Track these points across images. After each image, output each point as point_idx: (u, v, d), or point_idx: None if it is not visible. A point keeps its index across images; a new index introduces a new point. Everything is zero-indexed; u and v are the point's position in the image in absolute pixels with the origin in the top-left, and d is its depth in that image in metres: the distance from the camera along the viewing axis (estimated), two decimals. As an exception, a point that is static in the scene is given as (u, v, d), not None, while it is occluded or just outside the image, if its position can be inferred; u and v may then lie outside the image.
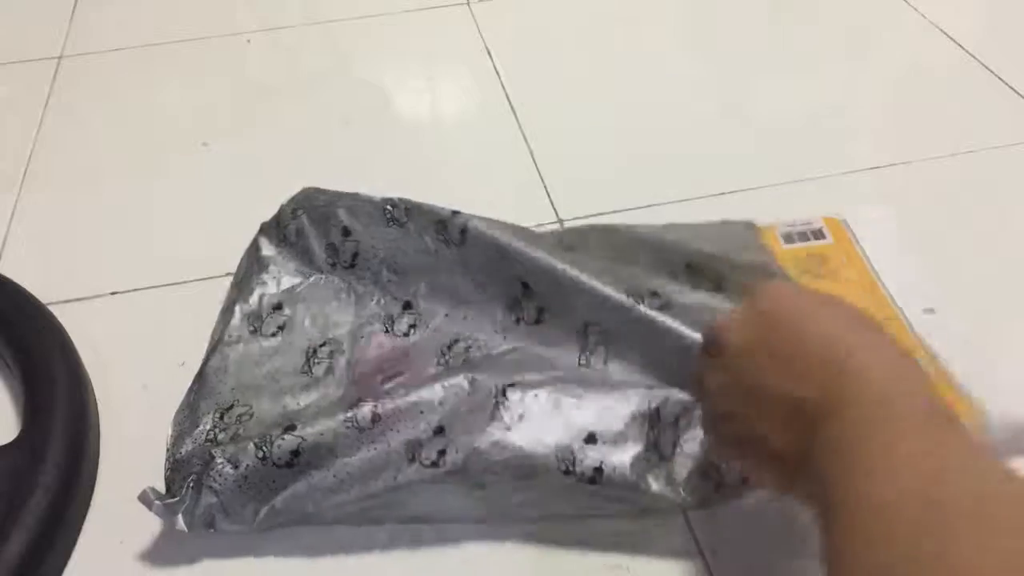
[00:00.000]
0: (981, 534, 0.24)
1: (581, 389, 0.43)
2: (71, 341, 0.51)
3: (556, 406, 0.42)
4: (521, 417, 0.42)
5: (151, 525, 0.43)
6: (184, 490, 0.41)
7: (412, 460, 0.41)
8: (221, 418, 0.45)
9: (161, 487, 0.42)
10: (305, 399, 0.46)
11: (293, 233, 0.53)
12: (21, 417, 0.47)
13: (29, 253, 0.59)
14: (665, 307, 0.44)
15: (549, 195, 0.62)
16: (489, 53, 0.77)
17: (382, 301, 0.50)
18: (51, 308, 0.53)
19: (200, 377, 0.47)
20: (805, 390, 0.32)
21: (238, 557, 0.42)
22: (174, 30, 0.81)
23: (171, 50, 0.80)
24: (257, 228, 0.55)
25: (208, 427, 0.44)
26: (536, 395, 0.42)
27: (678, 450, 0.42)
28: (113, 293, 0.56)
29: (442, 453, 0.41)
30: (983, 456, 0.28)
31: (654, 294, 0.45)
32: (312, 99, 0.73)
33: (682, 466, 0.42)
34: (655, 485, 0.41)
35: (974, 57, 0.73)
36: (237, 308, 0.51)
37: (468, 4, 0.84)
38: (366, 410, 0.42)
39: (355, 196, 0.52)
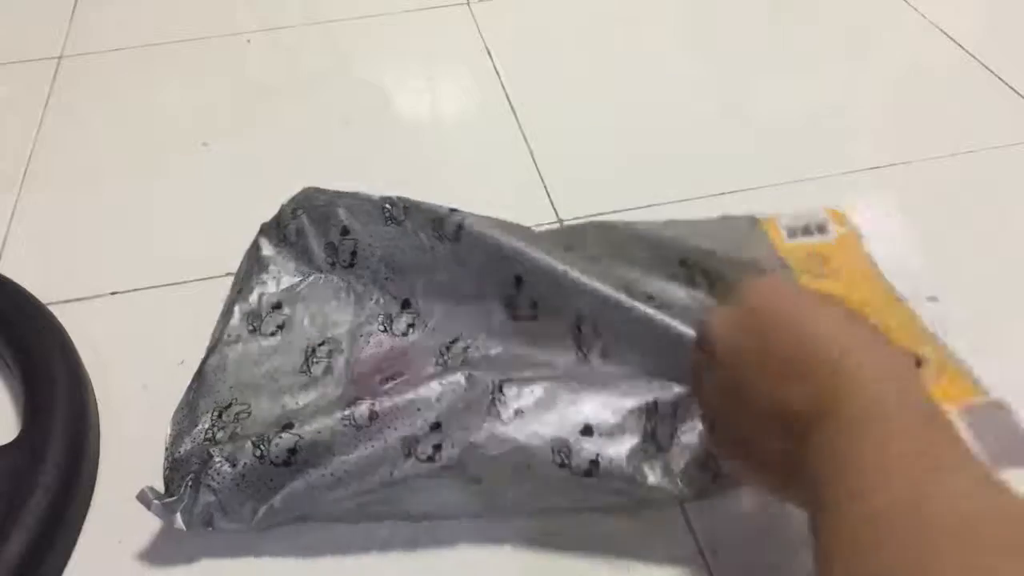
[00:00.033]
0: (965, 553, 0.25)
1: (578, 383, 0.43)
2: (71, 341, 0.51)
3: (553, 400, 0.42)
4: (518, 412, 0.41)
5: (151, 525, 0.43)
6: (182, 489, 0.41)
7: (408, 455, 0.41)
8: (219, 417, 0.45)
9: (161, 487, 0.42)
10: (304, 398, 0.46)
11: (293, 233, 0.53)
12: (21, 417, 0.47)
13: (29, 253, 0.59)
14: (660, 306, 0.44)
15: (549, 195, 0.62)
16: (489, 53, 0.77)
17: (381, 300, 0.50)
18: (51, 308, 0.53)
19: (199, 376, 0.47)
20: (798, 397, 0.32)
21: (237, 557, 0.42)
22: (174, 30, 0.81)
23: (171, 50, 0.80)
24: (257, 228, 0.55)
25: (207, 426, 0.44)
26: (532, 390, 0.42)
27: (676, 441, 0.42)
28: (113, 293, 0.56)
29: (438, 448, 0.41)
30: (974, 462, 0.28)
31: (649, 297, 0.45)
32: (312, 99, 0.73)
33: (679, 457, 0.42)
34: (651, 477, 0.41)
35: (974, 57, 0.73)
36: (236, 308, 0.51)
37: (468, 4, 0.84)
38: (364, 408, 0.42)
39: (354, 195, 0.52)
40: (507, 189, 0.63)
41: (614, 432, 0.41)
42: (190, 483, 0.41)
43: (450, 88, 0.78)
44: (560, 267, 0.46)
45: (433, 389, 0.42)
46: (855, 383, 0.31)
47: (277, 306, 0.51)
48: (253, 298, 0.51)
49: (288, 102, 0.73)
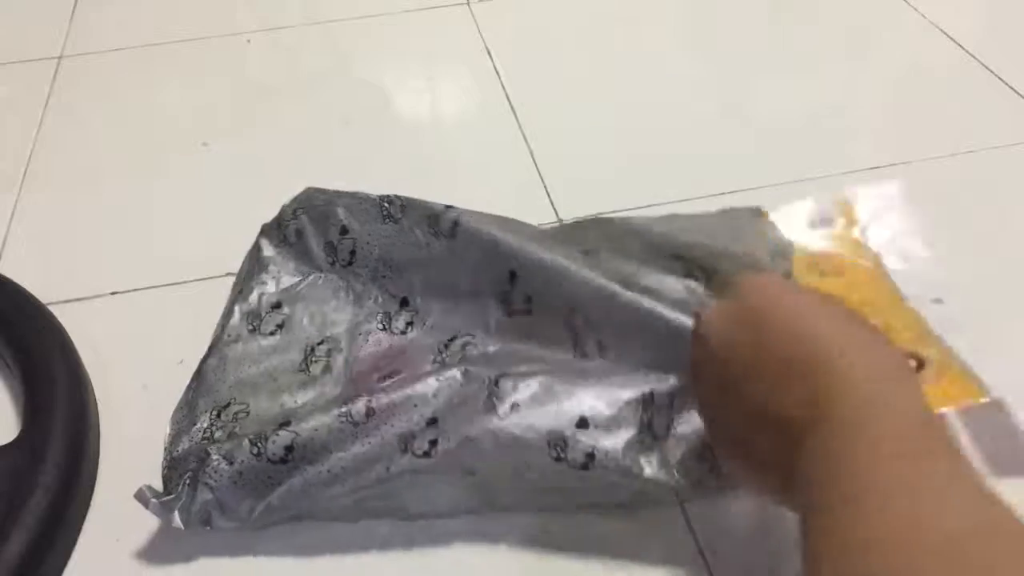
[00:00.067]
0: (952, 571, 0.24)
1: (575, 376, 0.43)
2: (71, 341, 0.51)
3: (549, 394, 0.42)
4: (514, 406, 0.41)
5: (151, 524, 0.43)
6: (180, 487, 0.41)
7: (404, 451, 0.41)
8: (218, 416, 0.45)
9: (160, 486, 0.42)
10: (302, 397, 0.46)
11: (293, 233, 0.53)
12: (21, 417, 0.47)
13: (29, 253, 0.59)
14: (657, 299, 0.44)
15: (549, 195, 0.62)
16: (489, 53, 0.77)
17: (380, 299, 0.50)
18: (51, 308, 0.53)
19: (198, 375, 0.47)
20: (792, 402, 0.32)
21: (235, 556, 0.42)
22: (174, 30, 0.81)
23: (171, 50, 0.80)
24: (257, 228, 0.55)
25: (205, 425, 0.44)
26: (528, 384, 0.42)
27: (672, 432, 0.42)
28: (113, 293, 0.56)
29: (434, 443, 0.41)
30: (966, 470, 0.28)
31: (645, 290, 0.44)
32: (312, 99, 0.73)
33: (676, 448, 0.41)
34: (648, 469, 0.41)
35: (974, 57, 0.73)
36: (236, 308, 0.51)
37: (468, 4, 0.84)
38: (360, 404, 0.42)
39: (353, 194, 0.52)
40: (507, 189, 0.63)
41: (610, 425, 0.41)
42: (188, 481, 0.41)
43: (450, 88, 0.78)
44: (552, 260, 0.45)
45: (430, 385, 0.42)
46: (849, 384, 0.31)
47: (277, 306, 0.51)
48: (253, 298, 0.51)
49: (288, 102, 0.73)
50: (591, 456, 0.40)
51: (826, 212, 0.55)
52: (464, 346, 0.47)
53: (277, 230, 0.54)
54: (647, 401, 0.42)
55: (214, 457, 0.41)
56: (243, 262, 0.54)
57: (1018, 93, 0.69)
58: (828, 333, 0.33)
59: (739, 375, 0.35)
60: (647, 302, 0.43)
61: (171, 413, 0.46)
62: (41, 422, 0.45)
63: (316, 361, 0.48)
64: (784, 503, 0.35)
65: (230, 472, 0.41)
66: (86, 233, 0.61)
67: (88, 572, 0.42)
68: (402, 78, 0.77)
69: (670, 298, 0.44)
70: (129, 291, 0.56)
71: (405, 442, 0.41)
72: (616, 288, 0.44)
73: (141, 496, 0.41)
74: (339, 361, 0.48)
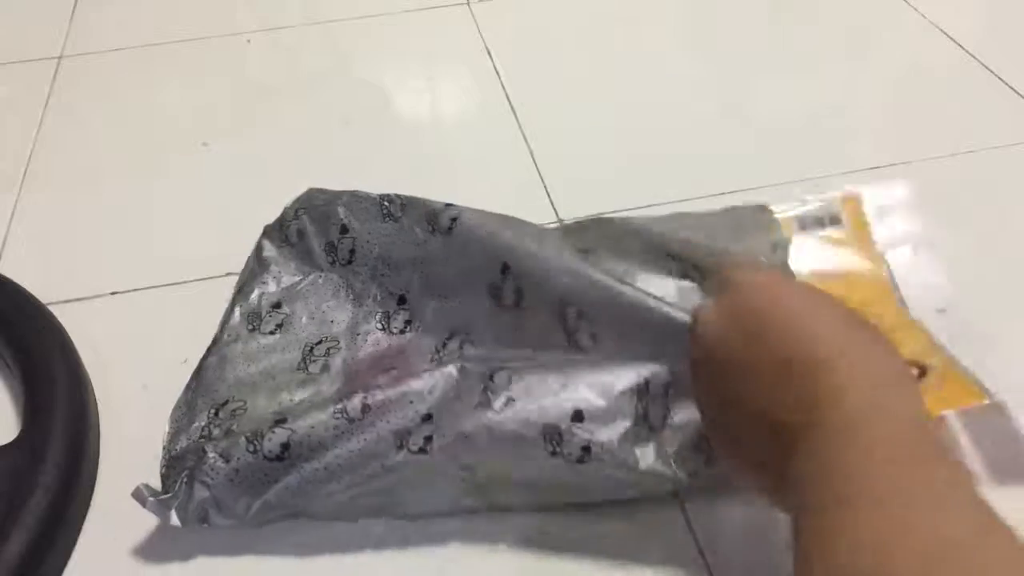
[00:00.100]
0: None
1: (570, 369, 0.42)
2: (71, 341, 0.51)
3: (543, 387, 0.41)
4: (509, 401, 0.41)
5: (151, 524, 0.43)
6: (178, 485, 0.41)
7: (400, 447, 0.41)
8: (216, 415, 0.45)
9: (159, 485, 0.42)
10: (301, 396, 0.46)
11: (295, 234, 0.53)
12: (21, 417, 0.47)
13: (29, 253, 0.59)
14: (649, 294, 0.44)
15: (549, 195, 0.62)
16: (489, 53, 0.77)
17: (379, 298, 0.50)
18: (51, 308, 0.53)
19: (197, 375, 0.47)
20: (788, 406, 0.32)
21: (234, 555, 0.42)
22: (174, 30, 0.81)
23: (171, 50, 0.80)
24: (257, 228, 0.55)
25: (203, 423, 0.44)
26: (523, 378, 0.42)
27: (668, 422, 0.42)
28: (113, 293, 0.56)
29: (429, 440, 0.41)
30: (961, 478, 0.28)
31: (637, 290, 0.44)
32: (312, 99, 0.73)
33: (672, 439, 0.41)
34: (644, 461, 0.40)
35: (974, 57, 0.73)
36: (236, 308, 0.51)
37: (468, 4, 0.84)
38: (356, 401, 0.42)
39: (354, 193, 0.52)
40: (507, 189, 0.63)
41: (605, 417, 0.41)
42: (185, 479, 0.41)
43: (450, 88, 0.78)
44: (542, 252, 0.45)
45: (425, 381, 0.42)
46: (848, 386, 0.30)
47: (277, 305, 0.51)
48: (253, 297, 0.51)
49: (288, 102, 0.73)
50: (587, 449, 0.40)
51: (834, 208, 0.54)
52: (461, 344, 0.47)
53: (279, 231, 0.54)
54: (642, 391, 0.42)
55: (210, 455, 0.41)
56: (246, 263, 0.54)
57: (1018, 93, 0.69)
58: (828, 334, 0.33)
59: (737, 375, 0.34)
60: (640, 293, 0.43)
61: (170, 412, 0.46)
62: (41, 422, 0.45)
63: (315, 360, 0.48)
64: (777, 504, 0.35)
65: (226, 470, 0.41)
66: (86, 233, 0.61)
67: (88, 572, 0.42)
68: (402, 78, 0.77)
69: (665, 298, 0.44)
70: (129, 291, 0.56)
71: (400, 438, 0.41)
72: (608, 280, 0.43)
73: (138, 495, 0.41)
74: (337, 361, 0.48)
